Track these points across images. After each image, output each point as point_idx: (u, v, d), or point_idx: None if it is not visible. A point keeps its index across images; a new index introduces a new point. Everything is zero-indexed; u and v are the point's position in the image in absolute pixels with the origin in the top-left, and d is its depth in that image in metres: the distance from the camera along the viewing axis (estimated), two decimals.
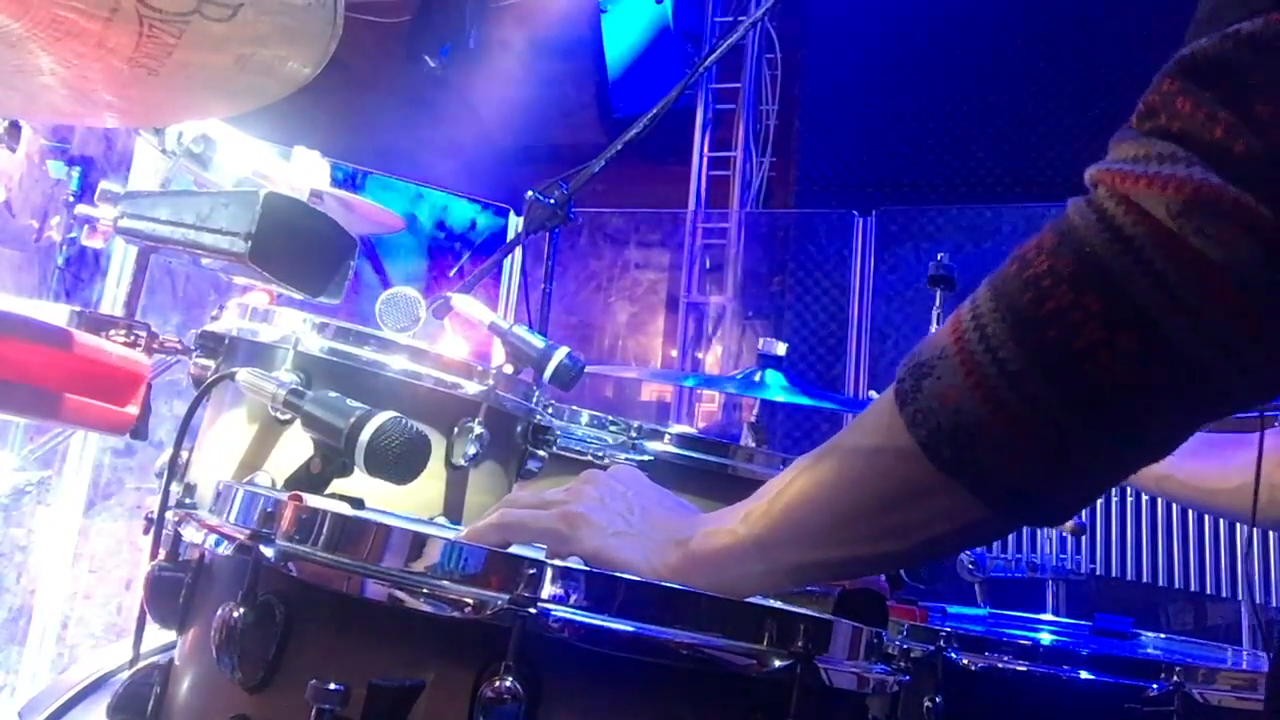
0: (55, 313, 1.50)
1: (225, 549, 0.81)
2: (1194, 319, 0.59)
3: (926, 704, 1.29)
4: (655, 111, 2.12)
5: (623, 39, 6.18)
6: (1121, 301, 0.61)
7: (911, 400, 0.70)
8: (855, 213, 5.38)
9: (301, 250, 1.51)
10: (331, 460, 1.12)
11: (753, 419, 2.36)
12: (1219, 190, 0.58)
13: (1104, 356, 0.62)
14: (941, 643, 1.34)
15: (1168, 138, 0.61)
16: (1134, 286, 0.60)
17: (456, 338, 1.68)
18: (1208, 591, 2.98)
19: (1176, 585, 3.03)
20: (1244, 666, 1.54)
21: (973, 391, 0.66)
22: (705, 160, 6.22)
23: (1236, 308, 0.59)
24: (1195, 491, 1.42)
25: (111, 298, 3.34)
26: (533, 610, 0.68)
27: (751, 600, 0.83)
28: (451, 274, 5.34)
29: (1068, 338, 0.62)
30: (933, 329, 2.34)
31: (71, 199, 3.22)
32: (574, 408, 1.74)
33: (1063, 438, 0.65)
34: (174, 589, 0.88)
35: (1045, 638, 1.51)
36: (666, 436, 1.73)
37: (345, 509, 0.91)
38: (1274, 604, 2.71)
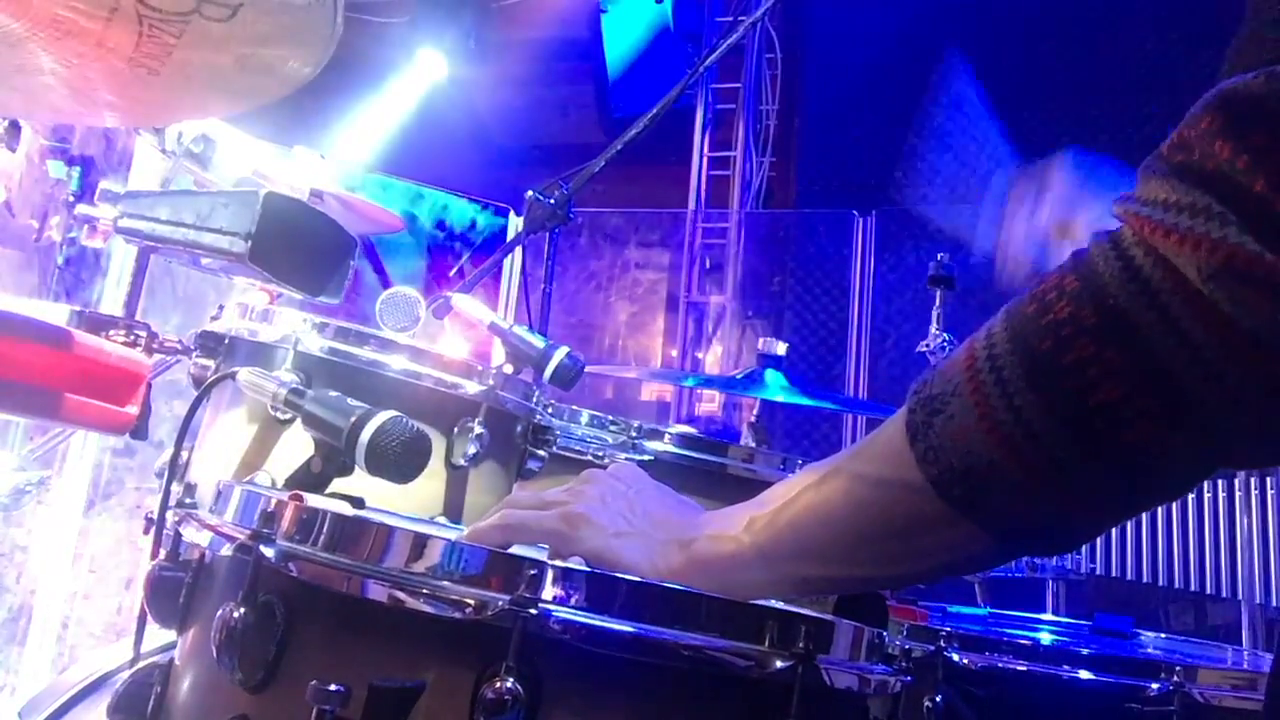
0: (55, 313, 1.50)
1: (225, 549, 0.81)
2: (1220, 383, 0.58)
3: (927, 704, 1.29)
4: (655, 111, 2.12)
5: (623, 39, 6.18)
6: (1145, 360, 0.59)
7: (923, 436, 0.69)
8: (855, 213, 5.38)
9: (301, 250, 1.51)
10: (332, 460, 1.12)
11: (753, 419, 2.37)
12: (1254, 257, 0.56)
13: (1124, 414, 0.60)
14: (941, 643, 1.34)
15: (1202, 183, 0.58)
16: (1159, 346, 0.59)
17: (456, 338, 1.68)
18: (1208, 591, 2.98)
19: (1176, 585, 3.03)
20: (1244, 666, 1.54)
21: (987, 436, 0.65)
22: (705, 160, 6.22)
23: (1265, 375, 0.57)
24: None
25: (111, 298, 3.33)
26: (533, 611, 0.68)
27: (753, 601, 0.83)
28: (451, 274, 5.34)
29: (1087, 391, 0.61)
30: (932, 329, 2.35)
31: (71, 199, 3.21)
32: (574, 407, 1.74)
33: (1077, 486, 0.64)
34: (174, 589, 0.87)
35: (1045, 637, 1.51)
36: (666, 436, 1.73)
37: (345, 509, 0.91)
38: (1274, 604, 2.71)
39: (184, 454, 1.42)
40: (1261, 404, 0.58)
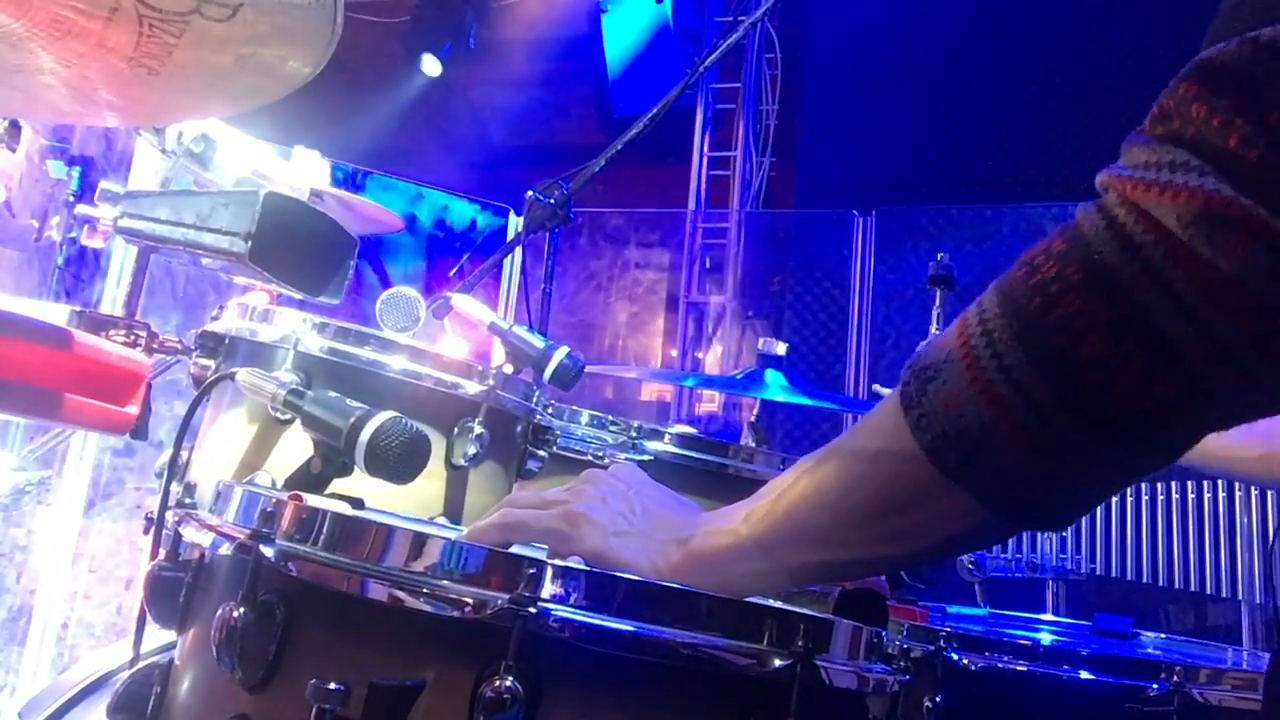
0: (55, 313, 1.50)
1: (225, 549, 0.81)
2: (1202, 330, 0.59)
3: (926, 704, 1.29)
4: (655, 111, 2.12)
5: (623, 39, 6.18)
6: (1129, 311, 0.60)
7: (916, 404, 0.70)
8: (855, 213, 5.38)
9: (301, 250, 1.51)
10: (331, 460, 1.12)
11: (753, 419, 2.37)
12: (1230, 201, 0.57)
13: (1110, 366, 0.61)
14: (941, 643, 1.34)
15: (1181, 144, 0.60)
16: (1142, 296, 0.59)
17: (456, 338, 1.68)
18: (1208, 591, 2.98)
19: (1176, 585, 3.03)
20: (1244, 666, 1.54)
21: (977, 397, 0.65)
22: (705, 160, 6.23)
23: (1245, 320, 0.58)
24: (1216, 459, 1.43)
25: (111, 298, 3.34)
26: (533, 610, 0.68)
27: (752, 600, 0.83)
28: (451, 274, 5.34)
29: (1074, 345, 0.62)
30: (932, 329, 2.35)
31: (71, 199, 3.22)
32: (574, 408, 1.74)
33: (1067, 445, 0.64)
34: (174, 589, 0.87)
35: (1045, 638, 1.51)
36: (666, 436, 1.73)
37: (345, 509, 0.91)
38: (1275, 603, 2.71)
39: (184, 454, 1.42)
40: (1243, 351, 0.59)
